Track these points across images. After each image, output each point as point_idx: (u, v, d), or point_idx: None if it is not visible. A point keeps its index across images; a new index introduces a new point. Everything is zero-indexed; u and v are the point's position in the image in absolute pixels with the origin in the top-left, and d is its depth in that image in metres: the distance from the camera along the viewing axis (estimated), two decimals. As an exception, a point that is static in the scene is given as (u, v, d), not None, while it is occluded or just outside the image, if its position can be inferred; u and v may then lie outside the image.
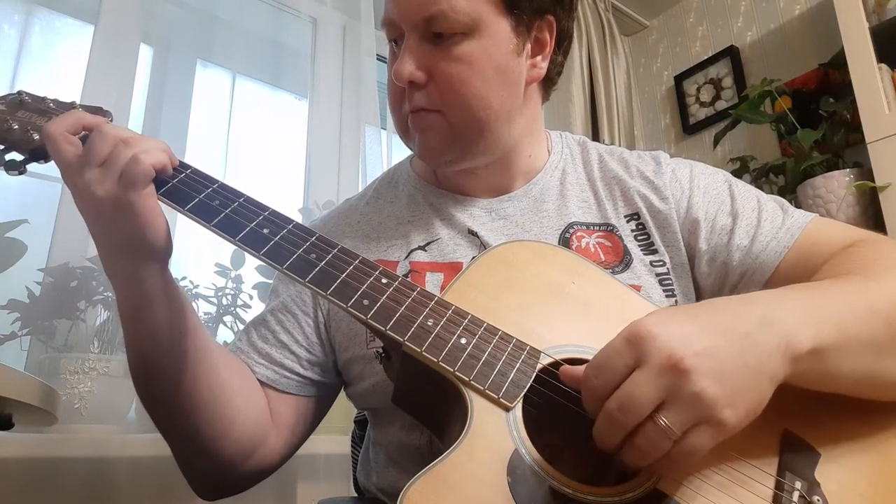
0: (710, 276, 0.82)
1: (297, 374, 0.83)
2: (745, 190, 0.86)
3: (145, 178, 0.63)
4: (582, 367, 0.56)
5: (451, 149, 0.81)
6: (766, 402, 0.53)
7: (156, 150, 0.64)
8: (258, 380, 0.82)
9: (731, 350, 0.52)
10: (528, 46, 0.81)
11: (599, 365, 0.53)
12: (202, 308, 1.52)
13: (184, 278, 1.49)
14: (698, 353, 0.50)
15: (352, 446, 1.07)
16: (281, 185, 1.90)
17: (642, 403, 0.50)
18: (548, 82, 0.88)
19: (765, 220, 0.81)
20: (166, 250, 0.67)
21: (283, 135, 1.95)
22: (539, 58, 0.83)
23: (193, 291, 1.50)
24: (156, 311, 0.67)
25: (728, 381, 0.51)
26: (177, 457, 0.76)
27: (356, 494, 0.95)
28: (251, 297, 1.57)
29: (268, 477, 0.82)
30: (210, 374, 0.71)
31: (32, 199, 1.41)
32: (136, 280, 0.66)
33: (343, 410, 1.43)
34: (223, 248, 1.56)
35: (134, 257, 0.65)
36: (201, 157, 1.70)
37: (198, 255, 1.59)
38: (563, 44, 0.86)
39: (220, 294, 1.54)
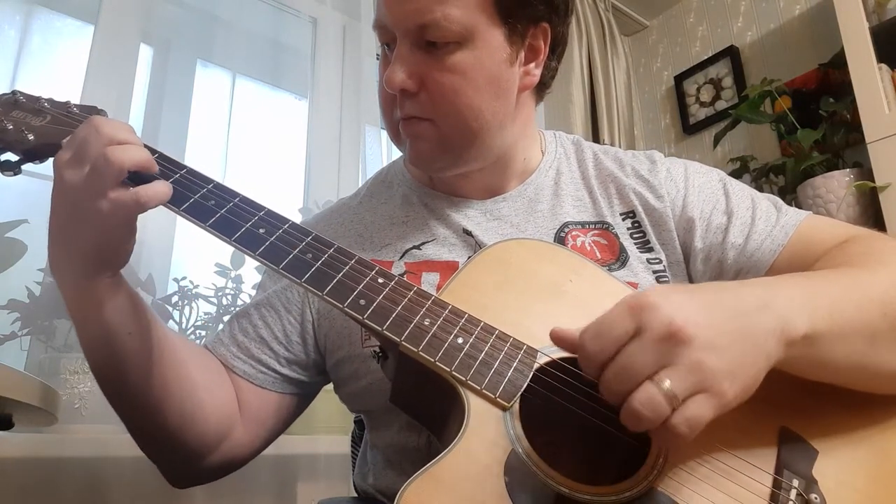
0: (705, 275, 0.83)
1: (274, 370, 0.83)
2: (739, 189, 0.86)
3: (119, 175, 0.61)
4: (575, 330, 0.56)
5: (443, 157, 0.81)
6: (759, 382, 0.53)
7: (160, 188, 0.63)
8: (235, 373, 0.82)
9: (729, 325, 0.52)
10: (522, 54, 0.81)
11: (597, 331, 0.53)
12: (202, 308, 1.52)
13: (184, 278, 1.50)
14: (699, 324, 0.50)
15: (352, 446, 1.07)
16: (281, 185, 1.90)
17: (639, 371, 0.49)
18: (541, 87, 0.88)
19: (759, 219, 0.81)
20: (125, 261, 0.66)
21: (283, 135, 1.95)
22: (532, 65, 0.83)
23: (193, 291, 1.50)
24: (105, 314, 0.66)
25: (727, 354, 0.51)
26: (143, 450, 0.76)
27: (356, 494, 0.95)
28: (251, 297, 1.57)
29: (238, 468, 0.83)
30: (167, 372, 0.71)
31: (32, 199, 1.40)
32: (86, 285, 0.65)
33: (343, 410, 1.43)
34: (223, 248, 1.56)
35: (90, 263, 0.64)
36: (201, 157, 1.70)
37: (198, 255, 1.59)
38: (557, 49, 0.86)
39: (220, 294, 1.54)
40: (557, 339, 0.58)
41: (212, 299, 1.53)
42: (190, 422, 0.73)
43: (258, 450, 0.84)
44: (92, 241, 0.63)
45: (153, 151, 0.69)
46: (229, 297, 1.55)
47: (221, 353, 0.83)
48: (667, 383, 0.49)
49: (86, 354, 0.70)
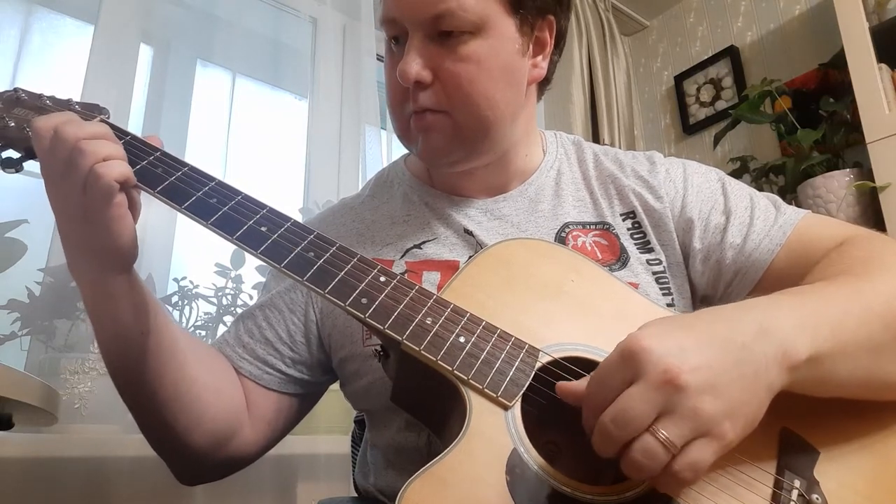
0: (704, 275, 0.83)
1: (280, 371, 0.83)
2: (737, 188, 0.86)
3: (109, 193, 0.61)
4: (578, 382, 0.56)
5: (456, 150, 0.80)
6: (764, 412, 0.53)
7: (118, 162, 0.62)
8: (242, 374, 0.82)
9: (727, 362, 0.51)
10: (531, 47, 0.82)
11: (597, 381, 0.53)
12: (202, 308, 1.52)
13: (184, 278, 1.50)
14: (694, 368, 0.50)
15: (352, 446, 1.07)
16: (281, 185, 1.90)
17: (636, 417, 0.49)
18: (544, 82, 0.88)
19: (757, 219, 0.81)
20: (131, 257, 0.66)
21: (283, 135, 1.95)
22: (540, 57, 0.84)
23: (193, 291, 1.50)
24: (118, 312, 0.66)
25: (725, 394, 0.50)
26: (152, 446, 0.77)
27: (356, 494, 0.95)
28: (251, 297, 1.57)
29: (245, 467, 0.83)
30: (176, 371, 0.72)
31: (32, 199, 1.40)
32: (98, 282, 0.65)
33: (343, 410, 1.43)
34: (223, 248, 1.56)
35: (97, 261, 0.64)
36: (201, 157, 1.70)
37: (198, 255, 1.59)
38: (559, 44, 0.86)
39: (220, 294, 1.54)
40: (563, 393, 0.57)
41: (212, 299, 1.53)
42: (197, 421, 0.74)
43: (265, 448, 0.85)
44: (91, 238, 0.63)
45: (155, 150, 0.69)
46: (229, 297, 1.55)
47: (228, 355, 0.84)
48: (662, 433, 0.48)
49: (101, 351, 0.71)
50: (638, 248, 0.83)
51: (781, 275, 0.76)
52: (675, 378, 0.49)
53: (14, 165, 0.71)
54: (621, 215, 0.86)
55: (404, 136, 0.83)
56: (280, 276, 0.88)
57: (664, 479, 0.50)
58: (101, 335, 0.69)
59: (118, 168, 0.61)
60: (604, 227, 0.85)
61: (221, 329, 1.52)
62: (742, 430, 0.51)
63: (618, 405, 0.50)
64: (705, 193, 0.85)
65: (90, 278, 0.66)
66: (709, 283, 0.83)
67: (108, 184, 0.60)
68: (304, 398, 0.88)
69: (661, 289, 0.81)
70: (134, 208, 0.66)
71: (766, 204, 0.83)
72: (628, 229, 0.85)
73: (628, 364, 0.51)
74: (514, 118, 0.81)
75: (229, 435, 0.78)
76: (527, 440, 0.56)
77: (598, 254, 0.82)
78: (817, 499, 0.56)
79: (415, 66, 0.75)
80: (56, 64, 1.58)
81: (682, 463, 0.49)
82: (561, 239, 0.83)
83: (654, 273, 0.82)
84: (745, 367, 0.52)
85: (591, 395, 0.53)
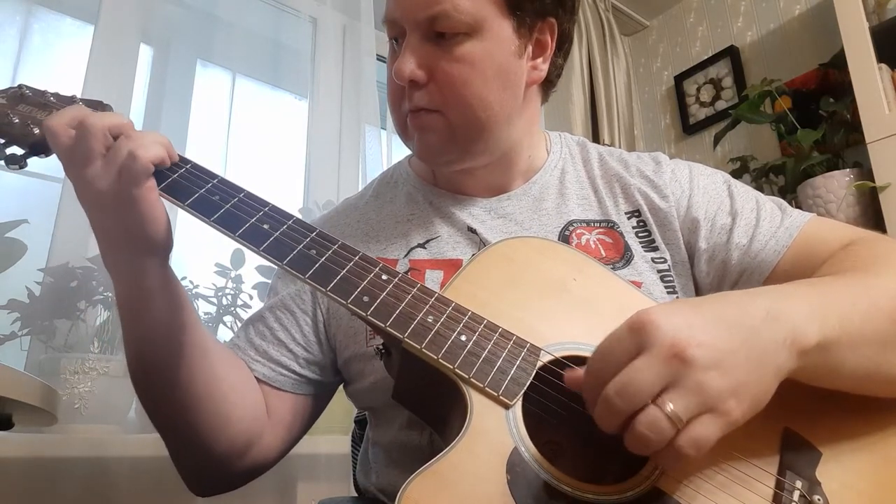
0: (709, 275, 0.83)
1: (294, 372, 0.83)
2: (743, 190, 0.86)
3: (145, 174, 0.62)
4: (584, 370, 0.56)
5: (451, 149, 0.81)
6: (771, 395, 0.53)
7: (153, 143, 0.64)
8: (255, 377, 0.82)
9: (734, 342, 0.51)
10: (530, 48, 0.82)
11: (601, 352, 0.53)
12: (202, 308, 1.51)
13: (184, 278, 1.49)
14: (702, 343, 0.50)
15: (352, 446, 1.07)
16: (281, 185, 1.90)
17: (641, 389, 0.49)
18: (547, 84, 0.88)
19: (763, 220, 0.81)
20: (166, 245, 0.66)
21: (283, 135, 1.95)
22: (540, 60, 0.83)
23: (193, 291, 1.50)
24: (154, 306, 0.66)
25: (731, 373, 0.50)
26: (172, 453, 0.76)
27: (356, 494, 0.95)
28: (251, 297, 1.57)
29: (262, 474, 0.82)
30: (206, 371, 0.71)
31: (32, 199, 1.41)
32: (135, 274, 0.65)
33: (343, 410, 1.43)
34: (223, 248, 1.56)
35: (134, 251, 0.65)
36: (201, 156, 1.67)
37: (198, 255, 1.59)
38: (563, 46, 0.86)
39: (220, 294, 1.54)
40: (570, 382, 0.56)
41: (212, 299, 1.53)
42: (224, 424, 0.73)
43: (282, 453, 0.84)
44: (126, 226, 0.63)
45: None
46: (229, 297, 1.55)
47: (240, 358, 0.83)
48: (669, 406, 0.48)
49: (128, 349, 0.70)
50: (643, 247, 0.83)
51: (786, 276, 0.76)
52: (682, 351, 0.49)
53: (18, 161, 0.71)
54: (626, 213, 0.86)
55: (402, 133, 0.84)
56: (287, 280, 0.88)
57: (665, 454, 0.49)
58: (134, 331, 0.69)
59: (153, 150, 0.63)
60: (608, 226, 0.85)
61: (222, 329, 1.52)
62: (748, 409, 0.51)
63: (623, 376, 0.50)
64: (711, 194, 0.85)
65: (127, 271, 0.66)
66: (713, 283, 0.83)
67: (144, 165, 0.62)
68: (317, 399, 0.87)
69: (665, 287, 0.81)
70: None
71: (771, 207, 0.84)
72: (633, 227, 0.85)
73: (635, 336, 0.51)
74: (509, 120, 0.81)
75: (252, 441, 0.77)
76: (528, 439, 0.56)
77: (603, 251, 0.82)
78: (819, 500, 0.56)
79: (409, 65, 0.76)
80: (56, 64, 1.58)
81: (686, 438, 0.48)
82: (565, 237, 0.83)
83: (659, 272, 0.82)
84: (753, 348, 0.52)
85: (594, 366, 0.53)
